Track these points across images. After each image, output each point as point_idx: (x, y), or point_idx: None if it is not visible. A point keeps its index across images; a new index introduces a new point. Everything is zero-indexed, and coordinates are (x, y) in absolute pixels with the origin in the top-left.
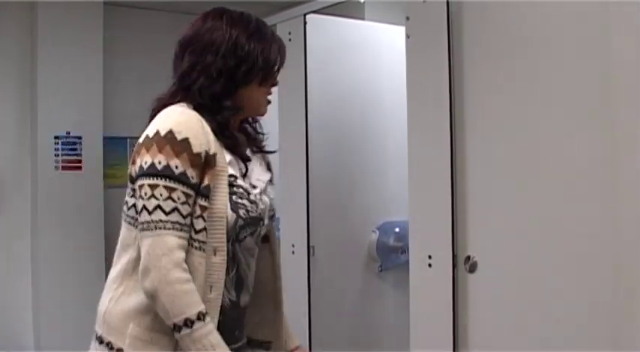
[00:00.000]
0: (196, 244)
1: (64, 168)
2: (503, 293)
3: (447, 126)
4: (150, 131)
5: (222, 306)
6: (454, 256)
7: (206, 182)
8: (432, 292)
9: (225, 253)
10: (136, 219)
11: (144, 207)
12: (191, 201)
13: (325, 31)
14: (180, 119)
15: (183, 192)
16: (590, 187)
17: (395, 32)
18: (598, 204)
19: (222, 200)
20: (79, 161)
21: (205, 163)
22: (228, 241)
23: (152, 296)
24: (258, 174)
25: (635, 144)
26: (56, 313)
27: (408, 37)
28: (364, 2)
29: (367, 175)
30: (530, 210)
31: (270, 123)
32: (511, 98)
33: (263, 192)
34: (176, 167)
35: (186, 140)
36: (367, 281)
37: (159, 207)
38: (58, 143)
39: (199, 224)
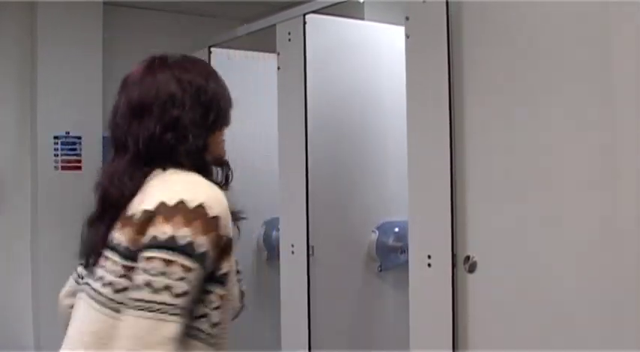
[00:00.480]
0: (211, 340)
1: (63, 168)
2: (502, 293)
3: (447, 126)
4: (169, 199)
5: None
6: (454, 256)
7: (225, 269)
8: (431, 292)
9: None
10: (115, 301)
11: (148, 283)
12: (199, 286)
13: (325, 31)
14: (210, 192)
15: (197, 274)
16: (590, 186)
17: (395, 32)
18: (599, 204)
19: (234, 289)
20: (79, 161)
21: (225, 248)
22: None
23: None
24: None
25: (637, 143)
26: (56, 313)
27: (407, 37)
28: (364, 2)
29: (367, 175)
30: (531, 209)
31: (268, 125)
32: (511, 98)
33: None
34: (200, 245)
35: (216, 218)
36: (367, 281)
37: (168, 287)
38: (57, 143)
39: (216, 316)
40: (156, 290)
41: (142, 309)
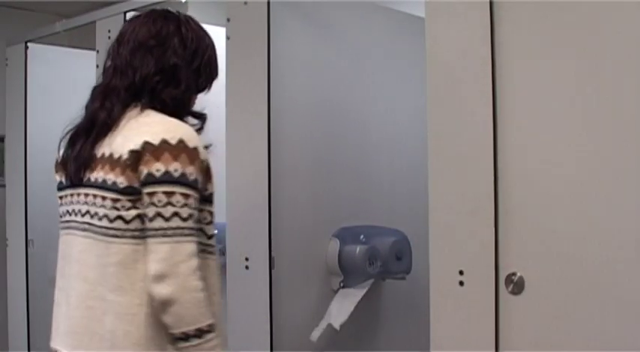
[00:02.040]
0: (210, 249)
1: None
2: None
3: (266, 127)
4: (151, 139)
5: None
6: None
7: (211, 190)
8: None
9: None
10: (129, 230)
11: (159, 213)
12: (198, 207)
13: None
14: (184, 129)
15: (195, 198)
16: None
17: (217, 33)
18: None
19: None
20: None
21: (207, 171)
22: None
23: (167, 302)
24: None
25: None
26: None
27: (228, 38)
28: (187, 2)
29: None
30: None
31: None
32: None
33: None
34: (190, 174)
35: (196, 148)
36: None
37: (176, 214)
38: None
39: (211, 229)
40: (167, 219)
41: (161, 236)
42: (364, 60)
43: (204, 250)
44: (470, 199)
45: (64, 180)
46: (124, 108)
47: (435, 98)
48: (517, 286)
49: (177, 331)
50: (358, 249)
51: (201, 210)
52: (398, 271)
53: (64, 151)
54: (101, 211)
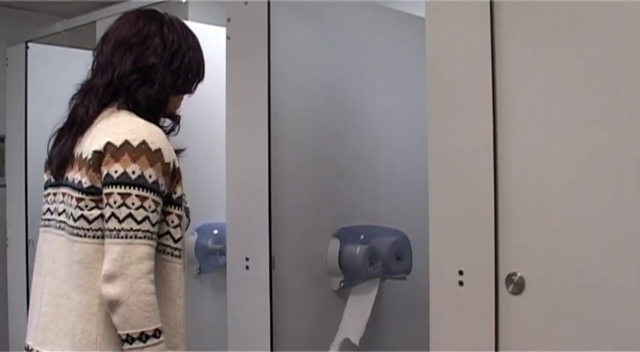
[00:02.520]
0: (177, 253)
1: None
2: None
3: (266, 127)
4: (114, 140)
5: None
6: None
7: (179, 192)
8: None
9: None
10: (91, 230)
11: (113, 214)
12: (159, 209)
13: None
14: (150, 130)
15: (154, 201)
16: None
17: (218, 33)
18: None
19: (184, 208)
20: None
21: (174, 173)
22: None
23: (114, 303)
24: None
25: None
26: None
27: (228, 38)
28: (187, 2)
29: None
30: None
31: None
32: None
33: None
34: (149, 176)
35: (159, 151)
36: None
37: (130, 215)
38: None
39: (178, 233)
40: (121, 220)
41: (114, 237)
42: (364, 60)
43: (169, 253)
44: (470, 199)
45: (51, 178)
46: (102, 107)
47: (435, 98)
48: (517, 286)
49: (122, 332)
50: (358, 249)
51: (169, 213)
52: (398, 271)
53: (51, 149)
54: (69, 210)
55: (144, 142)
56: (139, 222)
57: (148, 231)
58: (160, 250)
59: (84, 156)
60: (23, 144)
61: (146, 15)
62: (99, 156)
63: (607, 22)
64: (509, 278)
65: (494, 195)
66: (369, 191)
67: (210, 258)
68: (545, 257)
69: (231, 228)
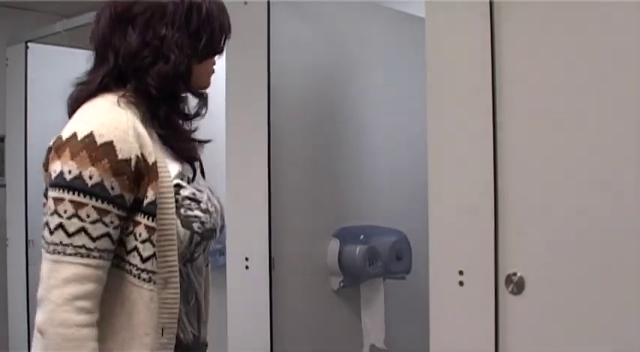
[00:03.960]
0: (145, 275)
1: None
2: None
3: (266, 129)
4: (65, 132)
5: (185, 346)
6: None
7: (151, 197)
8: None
9: (178, 285)
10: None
11: (46, 223)
12: (112, 219)
13: None
14: (105, 119)
15: (97, 208)
16: None
17: None
18: None
19: (169, 217)
20: None
21: (141, 173)
22: (182, 264)
23: (39, 331)
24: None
25: None
26: None
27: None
28: None
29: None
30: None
31: None
32: None
33: (211, 195)
34: (90, 177)
35: (109, 144)
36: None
37: (61, 226)
38: None
39: (147, 249)
40: (51, 231)
41: (46, 251)
42: (364, 60)
43: (136, 275)
44: (470, 199)
45: None
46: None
47: (435, 98)
48: (517, 286)
49: None
50: (358, 249)
51: (137, 223)
52: (398, 271)
53: None
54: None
55: (90, 134)
56: (70, 235)
57: (83, 246)
58: (127, 270)
59: None
60: (23, 144)
61: None
62: (49, 153)
63: (606, 21)
64: (509, 278)
65: (494, 195)
66: (369, 191)
67: (210, 258)
68: (545, 257)
69: (231, 227)
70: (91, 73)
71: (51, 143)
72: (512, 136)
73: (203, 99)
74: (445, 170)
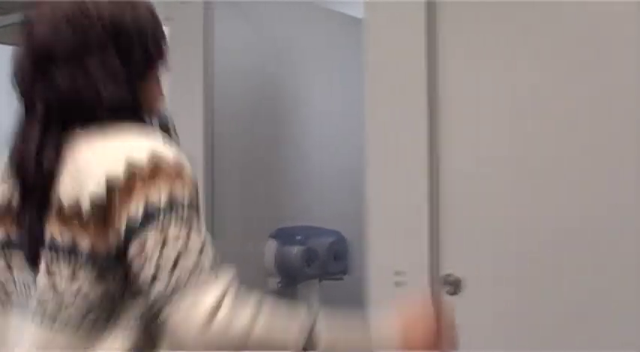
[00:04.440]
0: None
1: None
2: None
3: (202, 126)
4: (114, 171)
5: None
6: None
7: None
8: None
9: None
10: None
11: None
12: None
13: None
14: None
15: None
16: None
17: None
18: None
19: None
20: None
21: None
22: None
23: None
24: None
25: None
26: None
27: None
28: None
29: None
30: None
31: None
32: None
33: None
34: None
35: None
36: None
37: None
38: None
39: None
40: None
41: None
42: (303, 60)
43: None
44: (407, 200)
45: None
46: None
47: (373, 99)
48: (454, 286)
49: None
50: (295, 250)
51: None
52: (336, 272)
53: None
54: None
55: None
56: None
57: None
58: None
59: (65, 206)
60: None
61: (57, 2)
62: (104, 198)
63: (547, 21)
64: (446, 279)
65: (430, 196)
66: (307, 192)
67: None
68: (482, 258)
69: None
70: (24, 129)
71: (99, 190)
72: (451, 137)
73: (163, 119)
74: (383, 171)
